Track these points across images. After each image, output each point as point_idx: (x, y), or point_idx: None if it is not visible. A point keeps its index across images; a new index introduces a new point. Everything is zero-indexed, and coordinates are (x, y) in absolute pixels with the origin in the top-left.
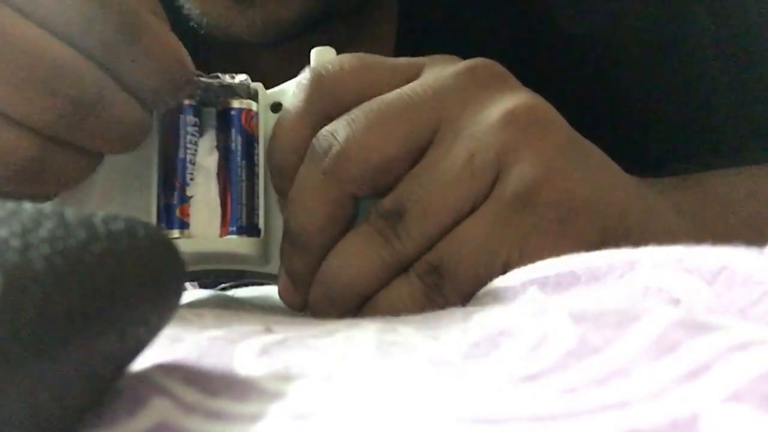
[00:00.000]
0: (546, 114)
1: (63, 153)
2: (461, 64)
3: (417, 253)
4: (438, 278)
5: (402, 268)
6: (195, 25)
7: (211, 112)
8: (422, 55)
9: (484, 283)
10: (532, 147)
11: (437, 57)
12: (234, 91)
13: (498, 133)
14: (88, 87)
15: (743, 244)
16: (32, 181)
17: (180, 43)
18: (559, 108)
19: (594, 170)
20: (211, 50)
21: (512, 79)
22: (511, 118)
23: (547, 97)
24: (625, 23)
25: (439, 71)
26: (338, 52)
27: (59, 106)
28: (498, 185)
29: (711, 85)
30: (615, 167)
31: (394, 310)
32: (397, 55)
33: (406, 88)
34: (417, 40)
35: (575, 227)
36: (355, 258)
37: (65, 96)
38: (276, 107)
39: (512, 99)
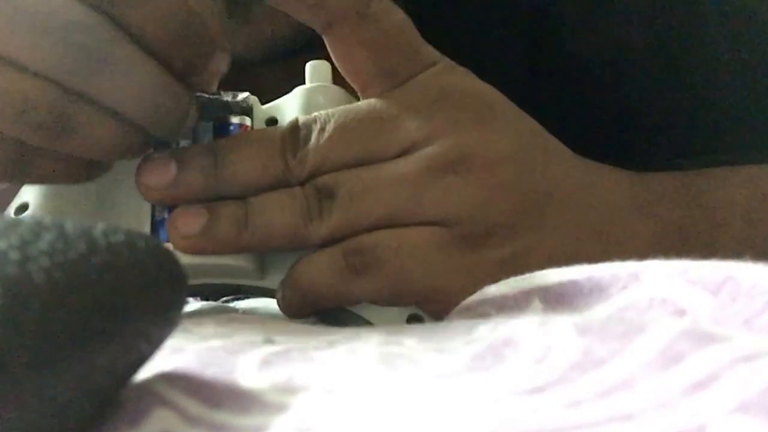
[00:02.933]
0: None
1: (83, 108)
2: (453, 104)
3: (307, 171)
4: (360, 261)
5: (286, 181)
6: None
7: (207, 126)
8: None
9: (406, 296)
10: (489, 199)
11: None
12: (230, 108)
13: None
14: (99, 40)
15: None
16: (60, 132)
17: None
18: (566, 112)
19: (548, 220)
20: None
21: (496, 126)
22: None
23: (554, 102)
24: (634, 34)
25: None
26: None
27: (73, 55)
28: (455, 214)
29: (720, 89)
30: (581, 200)
31: (311, 279)
32: None
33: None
34: None
35: (517, 266)
36: (245, 159)
37: (79, 46)
38: (271, 122)
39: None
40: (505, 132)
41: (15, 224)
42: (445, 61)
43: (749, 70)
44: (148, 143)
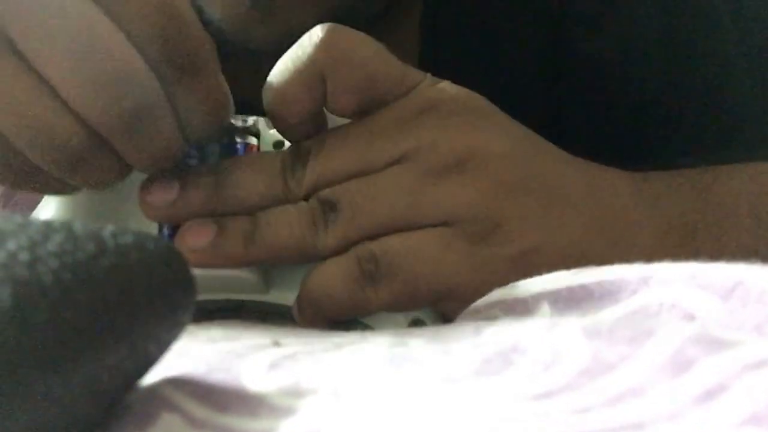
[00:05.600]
0: (507, 159)
1: (103, 154)
2: (442, 111)
3: (305, 189)
4: (375, 269)
5: (286, 200)
6: (214, 32)
7: (213, 147)
8: (445, 65)
9: (423, 299)
10: (488, 195)
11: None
12: (237, 130)
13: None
14: (148, 100)
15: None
16: (72, 171)
17: (229, 91)
18: (578, 109)
19: (553, 215)
20: (231, 57)
21: (488, 127)
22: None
23: (566, 99)
24: (645, 26)
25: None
26: None
27: (118, 110)
28: (457, 213)
29: (733, 82)
30: (580, 203)
31: (327, 289)
32: (420, 65)
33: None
34: (441, 49)
35: (527, 265)
36: (247, 180)
37: (127, 102)
38: (278, 145)
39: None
40: (497, 132)
41: (24, 225)
42: (429, 77)
43: (760, 67)
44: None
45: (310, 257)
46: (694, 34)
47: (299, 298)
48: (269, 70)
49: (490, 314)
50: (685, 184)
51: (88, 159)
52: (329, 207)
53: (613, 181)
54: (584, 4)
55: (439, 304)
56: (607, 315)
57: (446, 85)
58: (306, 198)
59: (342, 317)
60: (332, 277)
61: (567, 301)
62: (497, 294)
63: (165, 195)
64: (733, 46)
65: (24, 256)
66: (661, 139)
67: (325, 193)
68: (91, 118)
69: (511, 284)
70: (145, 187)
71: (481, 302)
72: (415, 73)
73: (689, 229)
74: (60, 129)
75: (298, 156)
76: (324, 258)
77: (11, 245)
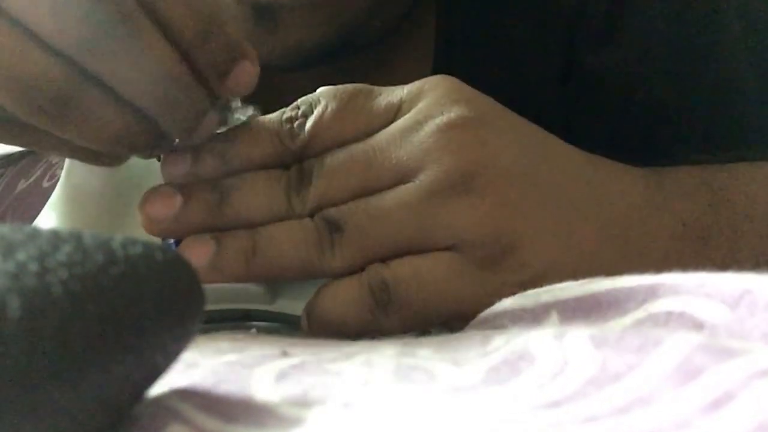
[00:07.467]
0: (509, 177)
1: (88, 90)
2: (441, 123)
3: (309, 207)
4: (387, 297)
5: (288, 218)
6: None
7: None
8: (459, 77)
9: (433, 323)
10: (497, 219)
11: (429, 88)
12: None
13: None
14: (121, 18)
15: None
16: (59, 116)
17: None
18: (589, 115)
19: (564, 232)
20: None
21: (492, 138)
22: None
23: (579, 104)
24: (654, 35)
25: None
26: (368, 76)
27: (91, 29)
28: (466, 236)
29: (741, 86)
30: (591, 215)
31: (339, 314)
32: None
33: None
34: (455, 61)
35: (539, 286)
36: (250, 197)
37: (98, 20)
38: None
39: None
40: (502, 144)
41: (34, 235)
42: (407, 91)
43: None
44: (157, 138)
45: (313, 276)
46: (703, 40)
47: (309, 318)
48: (271, 83)
49: (499, 324)
50: (701, 186)
51: (76, 100)
52: (334, 227)
53: (625, 181)
54: (595, 16)
55: (449, 323)
56: (615, 324)
57: (442, 90)
58: (310, 216)
59: (352, 337)
60: (344, 303)
61: (575, 310)
62: (506, 303)
63: (167, 209)
64: (741, 50)
65: (33, 267)
66: (671, 143)
67: (330, 213)
68: (65, 46)
69: (519, 294)
70: (146, 198)
71: (489, 311)
72: (393, 95)
73: (703, 233)
74: (41, 70)
75: (303, 174)
76: (330, 277)
77: (20, 256)
